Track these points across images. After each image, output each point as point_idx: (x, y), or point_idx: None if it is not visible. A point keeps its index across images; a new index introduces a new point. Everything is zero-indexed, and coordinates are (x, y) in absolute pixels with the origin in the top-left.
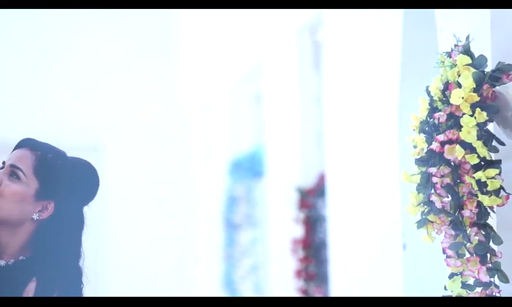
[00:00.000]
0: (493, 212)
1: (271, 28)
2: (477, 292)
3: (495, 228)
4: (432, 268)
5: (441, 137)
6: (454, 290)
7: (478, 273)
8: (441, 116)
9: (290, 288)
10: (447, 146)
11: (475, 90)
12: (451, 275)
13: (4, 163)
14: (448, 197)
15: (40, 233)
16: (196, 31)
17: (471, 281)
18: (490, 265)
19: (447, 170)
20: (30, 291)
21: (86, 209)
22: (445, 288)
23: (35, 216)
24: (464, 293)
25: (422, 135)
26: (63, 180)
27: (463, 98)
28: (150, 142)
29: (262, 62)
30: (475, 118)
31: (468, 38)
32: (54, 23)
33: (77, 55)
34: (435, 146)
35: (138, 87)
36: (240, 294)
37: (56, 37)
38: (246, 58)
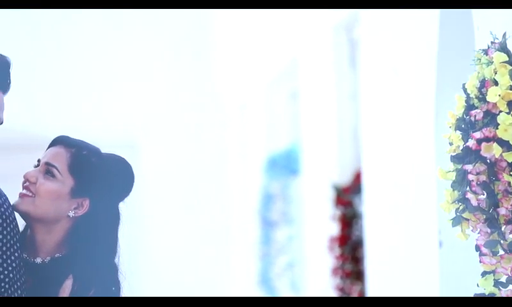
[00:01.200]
0: None
1: (307, 26)
2: (510, 290)
3: None
4: (468, 266)
5: (477, 135)
6: (487, 287)
7: (511, 270)
8: (477, 114)
9: (327, 286)
10: (483, 144)
11: (511, 88)
12: (483, 274)
13: (39, 161)
14: (483, 195)
15: (76, 230)
16: (233, 29)
17: (503, 279)
18: None
19: (482, 167)
20: (66, 288)
21: (121, 205)
22: (478, 286)
23: (71, 213)
24: (496, 291)
25: (458, 132)
26: (98, 176)
27: (499, 95)
28: (187, 140)
29: (298, 60)
30: None
31: (504, 35)
32: (94, 24)
33: (115, 53)
34: (471, 143)
35: (175, 85)
36: (276, 292)
37: (95, 37)
38: (282, 56)
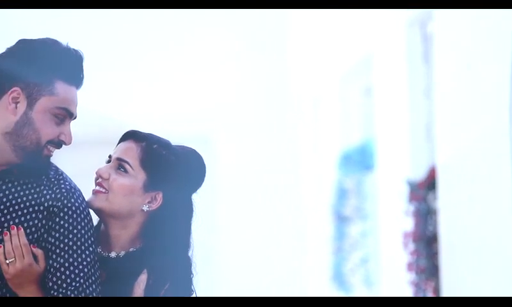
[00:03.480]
0: None
1: (381, 21)
2: None
3: None
4: None
5: None
6: None
7: None
8: None
9: (401, 281)
10: None
11: None
12: None
13: (110, 157)
14: None
15: (150, 224)
16: (307, 23)
17: None
18: None
19: None
20: (141, 283)
21: (194, 197)
22: None
23: (145, 207)
24: None
25: None
26: (170, 169)
27: None
28: (260, 135)
29: (372, 55)
30: None
31: None
32: (169, 21)
33: (190, 48)
34: None
35: (249, 80)
36: (349, 287)
37: (170, 32)
38: (356, 51)
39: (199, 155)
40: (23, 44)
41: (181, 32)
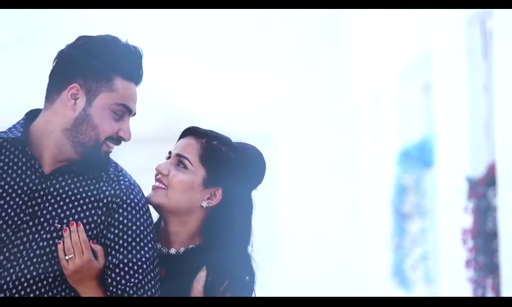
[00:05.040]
0: None
1: (441, 17)
2: None
3: None
4: None
5: None
6: None
7: None
8: None
9: (460, 278)
10: None
11: None
12: None
13: (170, 153)
14: None
15: (209, 220)
16: (366, 20)
17: None
18: None
19: None
20: (200, 279)
21: (253, 193)
22: None
23: (204, 204)
24: None
25: None
26: (230, 165)
27: None
28: (319, 131)
29: (432, 51)
30: None
31: None
32: (230, 21)
33: (249, 45)
34: None
35: (308, 77)
36: (410, 284)
37: (230, 31)
38: (415, 48)
39: (259, 152)
40: (82, 40)
41: (241, 30)
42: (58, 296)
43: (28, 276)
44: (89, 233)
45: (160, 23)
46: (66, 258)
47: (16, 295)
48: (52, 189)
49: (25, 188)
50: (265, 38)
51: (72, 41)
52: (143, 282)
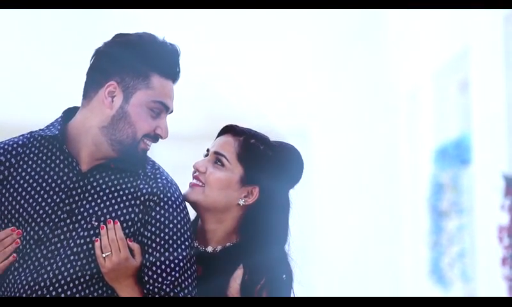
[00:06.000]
0: None
1: (478, 15)
2: None
3: None
4: None
5: None
6: None
7: None
8: None
9: (497, 276)
10: None
11: None
12: None
13: (208, 150)
14: None
15: (246, 218)
16: (403, 18)
17: None
18: None
19: None
20: (237, 277)
21: (291, 192)
22: None
23: (241, 202)
24: None
25: None
26: (267, 164)
27: None
28: (356, 130)
29: (469, 49)
30: None
31: None
32: (269, 18)
33: (287, 43)
34: None
35: (345, 75)
36: (447, 282)
37: (269, 29)
38: (452, 45)
39: (297, 151)
40: (120, 38)
41: (281, 28)
42: (95, 294)
43: (65, 274)
44: (127, 230)
45: (199, 21)
46: (103, 255)
47: (53, 293)
48: (89, 187)
49: (62, 185)
50: (303, 36)
51: (109, 39)
52: (180, 280)
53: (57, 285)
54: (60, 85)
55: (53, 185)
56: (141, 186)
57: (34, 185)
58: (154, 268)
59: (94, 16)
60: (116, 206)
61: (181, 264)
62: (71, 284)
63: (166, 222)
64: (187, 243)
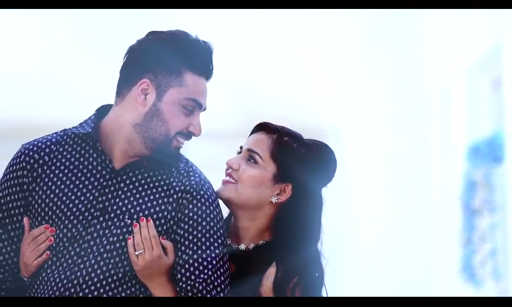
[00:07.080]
0: None
1: (510, 12)
2: None
3: None
4: None
5: None
6: None
7: None
8: None
9: None
10: None
11: None
12: None
13: (241, 148)
14: None
15: (279, 216)
16: (435, 15)
17: None
18: None
19: None
20: (270, 275)
21: (324, 191)
22: None
23: (273, 199)
24: None
25: None
26: (300, 162)
27: None
28: (389, 128)
29: (501, 46)
30: None
31: None
32: (301, 17)
33: (320, 41)
34: None
35: (378, 73)
36: (478, 280)
37: (301, 29)
38: (485, 43)
39: (331, 149)
40: (152, 36)
41: (314, 28)
42: (128, 291)
43: (98, 271)
44: (160, 228)
45: (233, 21)
46: (136, 253)
47: (86, 290)
48: (122, 184)
49: (95, 183)
50: (338, 36)
51: (141, 37)
52: (213, 278)
53: (90, 283)
54: (88, 84)
55: (86, 182)
56: (174, 183)
57: (68, 182)
58: (187, 265)
59: (120, 16)
60: (149, 204)
61: (214, 262)
62: (104, 282)
63: (199, 219)
64: (220, 241)
